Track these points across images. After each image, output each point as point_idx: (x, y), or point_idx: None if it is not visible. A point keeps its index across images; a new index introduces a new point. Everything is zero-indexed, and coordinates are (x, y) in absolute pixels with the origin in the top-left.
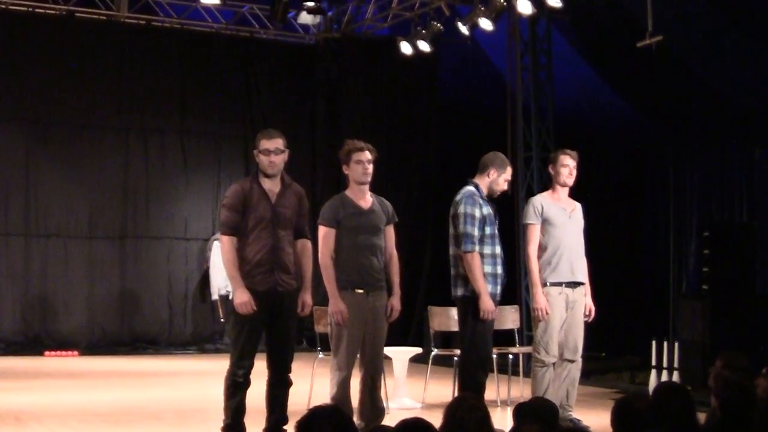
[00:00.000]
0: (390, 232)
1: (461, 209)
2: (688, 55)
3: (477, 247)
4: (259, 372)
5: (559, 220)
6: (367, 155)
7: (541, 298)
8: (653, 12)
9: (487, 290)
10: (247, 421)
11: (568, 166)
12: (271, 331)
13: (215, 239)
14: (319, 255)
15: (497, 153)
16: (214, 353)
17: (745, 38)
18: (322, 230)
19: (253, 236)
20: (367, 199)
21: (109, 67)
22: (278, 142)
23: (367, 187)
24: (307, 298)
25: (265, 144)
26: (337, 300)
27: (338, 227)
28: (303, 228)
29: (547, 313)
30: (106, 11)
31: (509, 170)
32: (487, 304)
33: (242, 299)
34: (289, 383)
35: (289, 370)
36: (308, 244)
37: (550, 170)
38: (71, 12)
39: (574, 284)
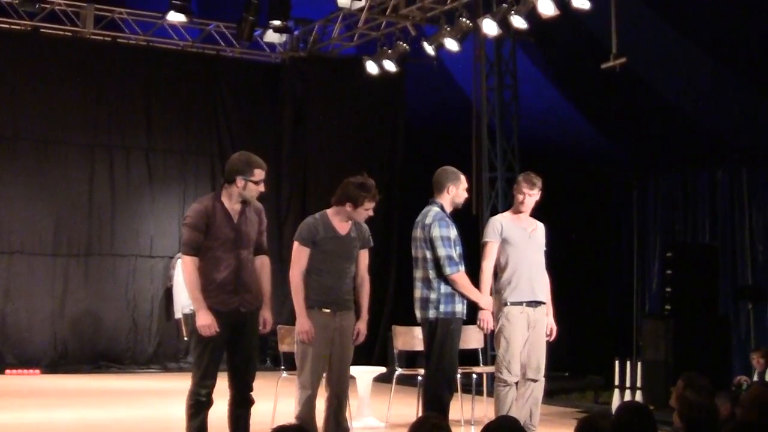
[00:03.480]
0: (363, 255)
1: (436, 232)
2: (651, 77)
3: (462, 267)
4: (222, 391)
5: (519, 240)
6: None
7: (485, 313)
8: (617, 34)
9: (486, 298)
10: None
11: (524, 194)
12: (233, 350)
13: (178, 257)
14: (290, 272)
15: (446, 168)
16: (177, 372)
17: (707, 60)
18: (296, 247)
19: (216, 256)
20: (345, 224)
21: (74, 83)
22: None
23: None
24: (267, 315)
25: (260, 174)
26: (304, 319)
27: (313, 247)
28: (262, 244)
29: (489, 326)
30: (71, 27)
31: (463, 179)
32: (486, 313)
33: (205, 322)
34: (251, 402)
35: (251, 389)
36: (267, 260)
37: (514, 190)
38: (36, 28)
39: (535, 303)
